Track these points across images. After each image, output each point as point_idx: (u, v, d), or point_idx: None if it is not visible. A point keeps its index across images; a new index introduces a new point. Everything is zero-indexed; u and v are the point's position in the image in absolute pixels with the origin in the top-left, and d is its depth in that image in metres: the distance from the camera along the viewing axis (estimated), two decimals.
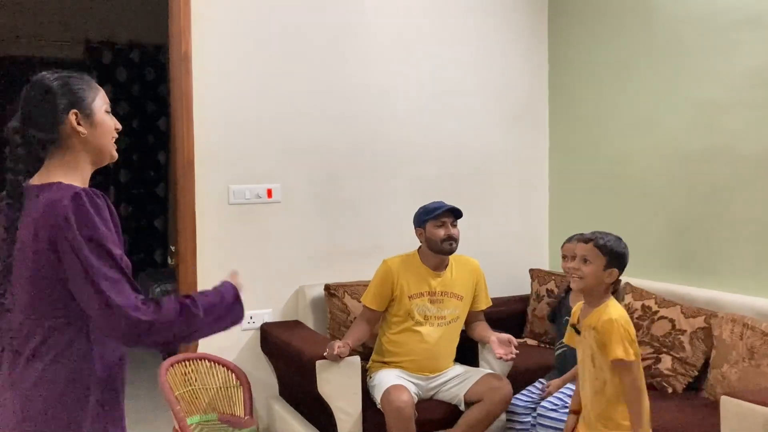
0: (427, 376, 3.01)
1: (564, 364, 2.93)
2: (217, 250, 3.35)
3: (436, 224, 3.00)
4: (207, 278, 3.33)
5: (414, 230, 3.09)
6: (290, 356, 3.03)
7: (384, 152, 3.70)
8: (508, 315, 3.69)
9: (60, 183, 1.48)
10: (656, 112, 3.42)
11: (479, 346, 3.14)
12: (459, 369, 3.05)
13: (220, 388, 3.28)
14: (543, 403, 2.79)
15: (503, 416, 2.99)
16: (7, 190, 1.49)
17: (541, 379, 2.98)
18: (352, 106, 3.62)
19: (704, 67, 3.18)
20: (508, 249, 4.02)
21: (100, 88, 1.60)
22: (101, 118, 1.56)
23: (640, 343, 2.94)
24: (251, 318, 3.42)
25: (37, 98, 1.51)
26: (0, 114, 4.55)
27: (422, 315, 3.02)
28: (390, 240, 3.62)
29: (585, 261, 2.27)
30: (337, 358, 2.76)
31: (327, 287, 3.36)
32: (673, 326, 2.96)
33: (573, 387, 2.81)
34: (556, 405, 2.75)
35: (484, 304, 3.19)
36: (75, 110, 1.51)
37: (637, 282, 3.23)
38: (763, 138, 2.93)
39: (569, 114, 4.00)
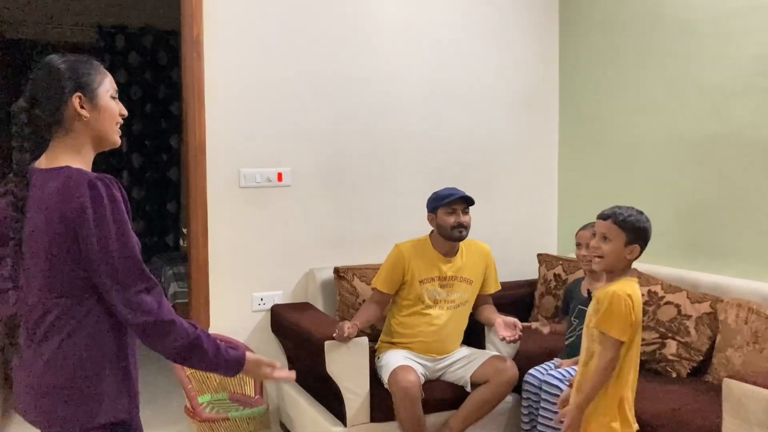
0: (434, 358, 3.05)
1: (573, 352, 2.96)
2: (229, 232, 3.40)
3: (448, 211, 3.02)
4: (218, 261, 3.38)
5: (426, 215, 3.11)
6: (300, 337, 3.08)
7: (392, 138, 3.72)
8: (516, 298, 3.72)
9: (69, 167, 1.50)
10: (665, 98, 3.42)
11: (486, 328, 3.18)
12: (465, 351, 3.09)
13: None
14: (551, 372, 2.84)
15: (509, 397, 3.03)
16: (14, 170, 1.51)
17: (556, 359, 3.01)
18: (361, 92, 3.64)
19: (713, 54, 3.17)
20: (516, 234, 4.04)
21: (108, 74, 1.61)
22: (105, 103, 1.57)
23: (645, 328, 2.96)
24: (262, 299, 3.47)
25: (43, 79, 1.53)
26: (15, 97, 4.59)
27: (432, 299, 3.06)
28: (396, 226, 3.66)
29: (604, 239, 2.20)
30: (346, 339, 2.80)
31: (336, 270, 3.41)
32: (679, 311, 2.99)
33: None
34: (563, 377, 2.79)
35: (493, 288, 3.22)
36: (79, 94, 1.52)
37: (643, 267, 3.24)
38: None
39: (579, 100, 4.00)
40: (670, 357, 2.95)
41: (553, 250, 4.10)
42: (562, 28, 4.09)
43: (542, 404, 2.80)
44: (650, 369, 2.99)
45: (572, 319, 3.00)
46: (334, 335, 2.80)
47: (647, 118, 3.53)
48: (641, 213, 2.24)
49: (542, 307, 3.71)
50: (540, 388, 2.84)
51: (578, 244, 2.99)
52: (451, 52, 3.84)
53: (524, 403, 2.93)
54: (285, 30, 3.46)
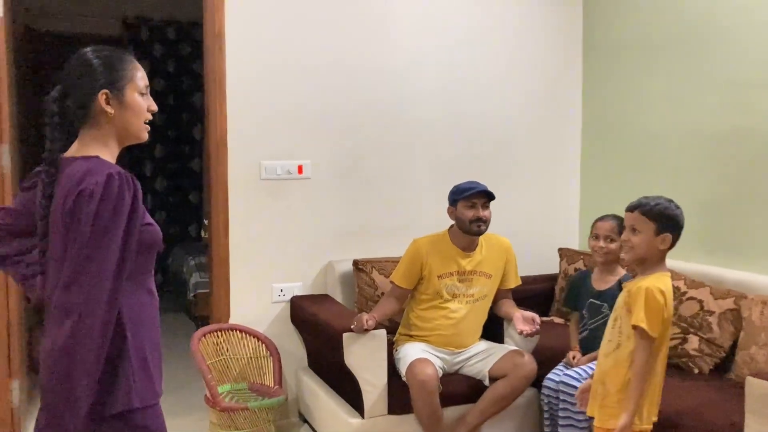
0: (452, 351, 3.05)
1: (588, 346, 2.94)
2: (249, 224, 3.42)
3: (467, 205, 3.00)
4: (238, 252, 3.40)
5: (447, 207, 3.10)
6: (318, 328, 3.10)
7: (412, 130, 3.71)
8: (535, 293, 3.70)
9: (98, 157, 1.53)
10: (688, 91, 3.37)
11: (505, 323, 3.17)
12: (484, 345, 3.08)
13: (251, 358, 3.38)
14: (568, 372, 2.81)
15: (527, 392, 3.02)
16: (44, 157, 1.54)
17: (568, 354, 2.98)
18: (381, 83, 3.63)
19: (736, 47, 3.12)
20: (536, 228, 4.01)
21: (140, 69, 1.61)
22: (131, 99, 1.58)
23: None
24: (282, 291, 3.49)
25: (76, 72, 1.56)
26: (41, 88, 4.65)
27: (450, 293, 3.05)
28: (416, 218, 3.66)
29: (634, 230, 2.16)
30: (364, 331, 2.81)
31: (355, 263, 3.41)
32: (702, 307, 2.95)
33: None
34: (580, 376, 2.77)
35: (513, 283, 3.20)
36: (106, 91, 1.54)
37: (666, 262, 3.21)
38: None
39: (603, 91, 3.95)
40: (692, 352, 2.92)
41: (574, 245, 4.07)
42: (586, 17, 4.04)
43: (561, 405, 2.78)
44: (672, 364, 2.93)
45: (583, 312, 2.97)
46: (352, 327, 2.81)
47: (671, 111, 3.48)
48: (670, 201, 2.19)
49: (562, 302, 3.68)
50: (558, 390, 2.82)
51: (595, 236, 2.94)
52: (471, 42, 3.81)
53: (544, 407, 2.91)
54: (305, 23, 3.46)
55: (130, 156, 6.31)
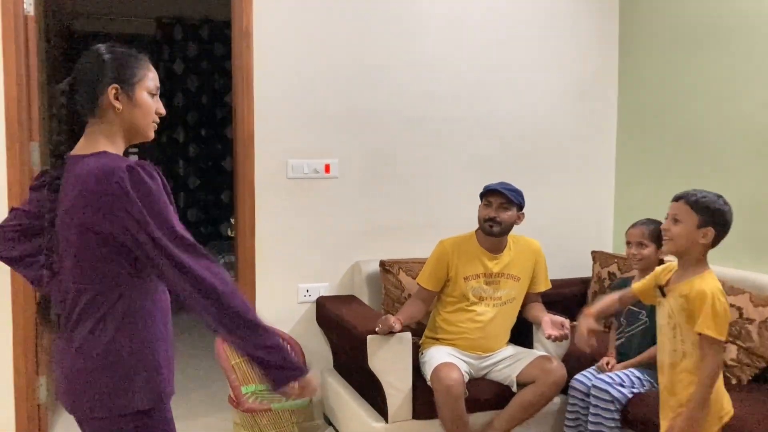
0: (479, 355, 2.98)
1: (624, 353, 2.86)
2: (276, 223, 3.39)
3: (484, 203, 2.97)
4: (265, 251, 3.39)
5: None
6: (343, 330, 3.06)
7: (440, 127, 3.65)
8: (567, 297, 3.60)
9: (107, 152, 1.52)
10: (731, 87, 3.24)
11: (534, 327, 3.09)
12: (512, 350, 3.01)
13: None
14: (600, 376, 2.74)
15: (556, 399, 2.94)
16: (51, 150, 1.56)
17: (603, 360, 2.89)
18: (409, 80, 3.57)
19: None
20: (569, 229, 3.91)
21: (152, 70, 1.62)
22: (141, 98, 1.58)
23: None
24: (308, 291, 3.46)
25: (87, 66, 1.56)
26: None
27: (477, 296, 2.99)
28: (445, 217, 3.59)
29: (675, 221, 2.08)
30: (389, 334, 2.76)
31: (382, 263, 3.37)
32: (741, 314, 2.83)
33: (634, 371, 2.73)
34: (612, 381, 2.69)
35: (543, 286, 3.12)
36: (116, 86, 1.55)
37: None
38: None
39: (640, 88, 3.82)
40: (730, 362, 2.80)
41: (608, 247, 3.96)
42: (623, 12, 3.92)
43: (591, 410, 2.69)
44: None
45: (621, 319, 2.89)
46: (377, 329, 2.76)
47: (712, 109, 3.34)
48: (719, 196, 2.10)
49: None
50: (587, 394, 2.74)
51: (628, 243, 2.90)
52: (502, 37, 3.73)
53: (570, 409, 2.83)
54: (333, 20, 3.43)
55: (164, 154, 6.38)
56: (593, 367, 2.88)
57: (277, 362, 1.50)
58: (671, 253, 2.14)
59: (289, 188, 3.41)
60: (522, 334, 3.13)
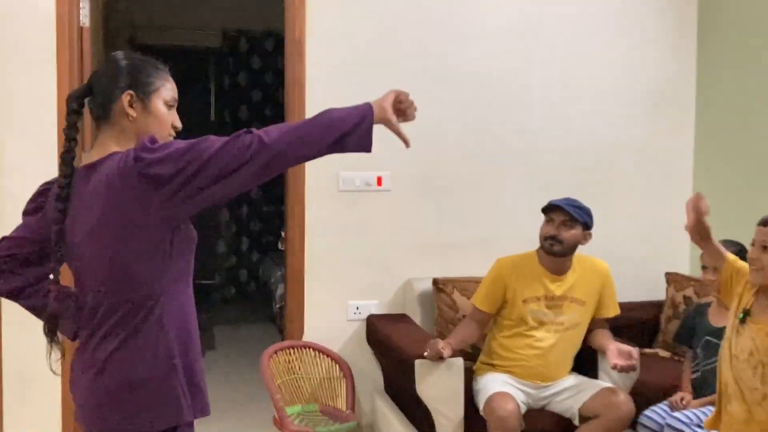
0: (538, 384, 2.76)
1: (701, 388, 2.59)
2: (326, 238, 3.30)
3: (546, 220, 2.80)
4: (314, 266, 3.29)
5: None
6: (391, 352, 2.91)
7: (500, 140, 3.47)
8: (638, 322, 3.34)
9: (116, 152, 1.49)
10: None
11: (599, 356, 2.85)
12: (574, 380, 2.78)
13: (324, 378, 3.23)
14: (675, 414, 2.50)
15: None
16: (61, 155, 1.51)
17: (676, 396, 2.64)
18: (466, 91, 3.42)
19: None
20: (641, 250, 3.64)
21: (170, 81, 1.58)
22: (156, 107, 1.54)
23: None
24: (358, 308, 3.33)
25: (103, 72, 1.55)
26: None
27: (537, 320, 2.78)
28: (504, 234, 3.40)
29: (764, 248, 1.87)
30: (439, 359, 2.58)
31: (435, 281, 3.20)
32: None
33: (713, 409, 2.47)
34: (690, 420, 2.46)
35: (610, 312, 2.89)
36: (131, 92, 1.51)
37: None
38: None
39: (720, 100, 3.54)
40: None
41: (684, 269, 3.66)
42: (701, 21, 3.64)
43: None
44: None
45: (697, 351, 2.62)
46: (425, 354, 2.59)
47: None
48: None
49: (668, 333, 3.29)
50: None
51: (704, 267, 2.64)
52: (568, 48, 3.53)
53: None
54: (387, 30, 3.33)
55: None
56: (665, 402, 2.64)
57: (349, 128, 1.50)
58: (761, 284, 1.91)
59: (339, 201, 3.31)
60: (586, 362, 2.89)
